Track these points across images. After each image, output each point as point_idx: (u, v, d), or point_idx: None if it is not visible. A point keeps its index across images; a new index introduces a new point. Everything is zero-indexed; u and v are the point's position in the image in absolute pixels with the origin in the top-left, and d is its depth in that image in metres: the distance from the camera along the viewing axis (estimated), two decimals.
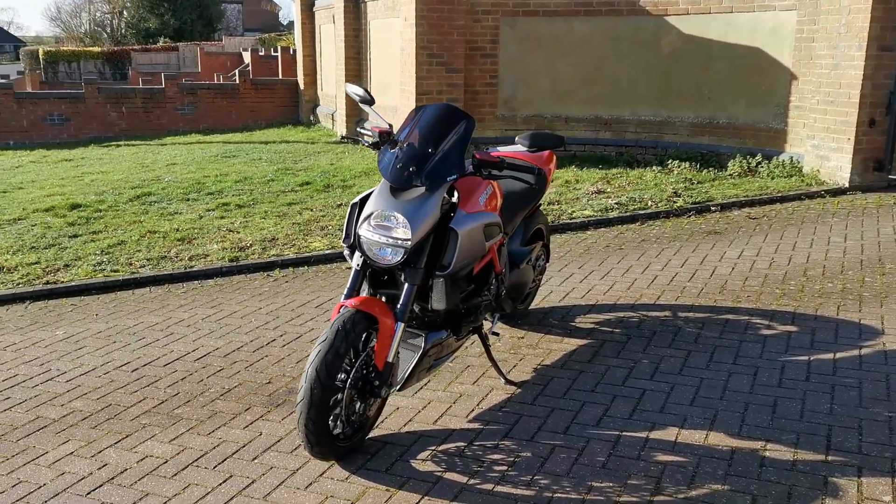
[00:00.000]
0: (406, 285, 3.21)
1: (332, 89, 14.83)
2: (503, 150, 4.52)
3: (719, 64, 9.35)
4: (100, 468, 3.21)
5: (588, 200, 7.68)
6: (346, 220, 3.38)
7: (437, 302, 3.32)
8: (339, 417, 3.11)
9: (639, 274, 5.55)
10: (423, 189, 3.20)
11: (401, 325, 3.16)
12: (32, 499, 3.00)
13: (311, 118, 16.44)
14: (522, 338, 4.45)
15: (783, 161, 8.69)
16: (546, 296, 5.14)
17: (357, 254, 3.33)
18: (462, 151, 3.34)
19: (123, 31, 68.39)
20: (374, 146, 3.47)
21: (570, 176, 8.87)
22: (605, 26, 9.96)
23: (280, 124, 16.55)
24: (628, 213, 7.19)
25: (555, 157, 4.65)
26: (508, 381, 3.87)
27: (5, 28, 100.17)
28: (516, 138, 3.45)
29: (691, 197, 7.71)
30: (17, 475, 3.18)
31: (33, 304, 5.44)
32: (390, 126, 3.49)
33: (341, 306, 3.15)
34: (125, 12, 69.44)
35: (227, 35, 52.95)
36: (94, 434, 3.51)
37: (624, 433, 3.35)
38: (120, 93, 16.72)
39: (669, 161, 9.29)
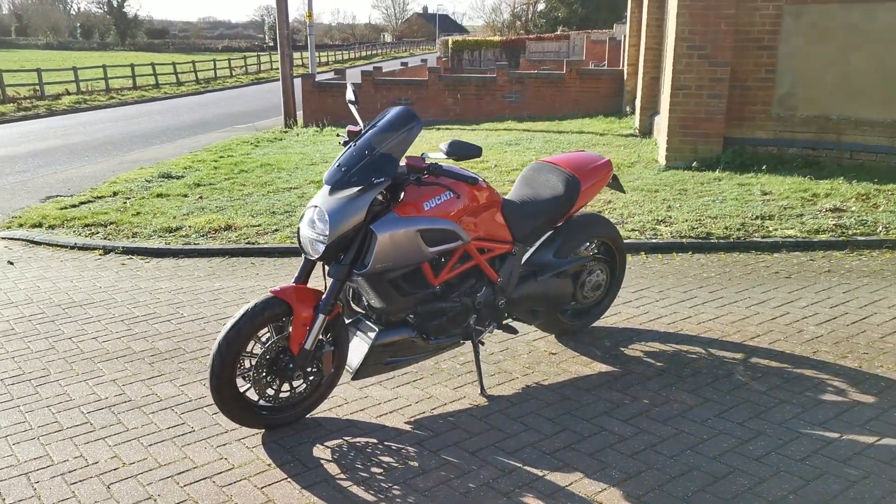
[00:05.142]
0: (331, 280, 3.37)
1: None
2: (551, 158, 4.30)
3: None
4: (117, 395, 3.95)
5: (809, 218, 6.63)
6: None
7: (373, 300, 3.43)
8: (259, 392, 3.40)
9: (769, 309, 4.77)
10: (355, 189, 3.32)
11: (321, 317, 3.34)
12: (56, 408, 3.83)
13: (628, 109, 16.18)
14: (554, 354, 4.23)
15: None
16: (634, 316, 4.74)
17: None
18: (399, 155, 3.37)
19: (536, 20, 73.39)
20: (345, 144, 3.64)
21: (825, 189, 7.65)
22: None
23: (598, 114, 16.51)
24: (840, 239, 6.08)
25: (612, 166, 4.27)
26: (483, 393, 3.77)
27: (458, 21, 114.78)
28: (440, 144, 3.33)
29: None
30: (66, 388, 4.05)
31: (227, 260, 6.55)
32: (363, 127, 3.63)
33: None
34: (540, 3, 74.57)
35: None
36: (143, 368, 4.27)
37: (524, 468, 3.11)
38: (457, 81, 18.21)
39: None
